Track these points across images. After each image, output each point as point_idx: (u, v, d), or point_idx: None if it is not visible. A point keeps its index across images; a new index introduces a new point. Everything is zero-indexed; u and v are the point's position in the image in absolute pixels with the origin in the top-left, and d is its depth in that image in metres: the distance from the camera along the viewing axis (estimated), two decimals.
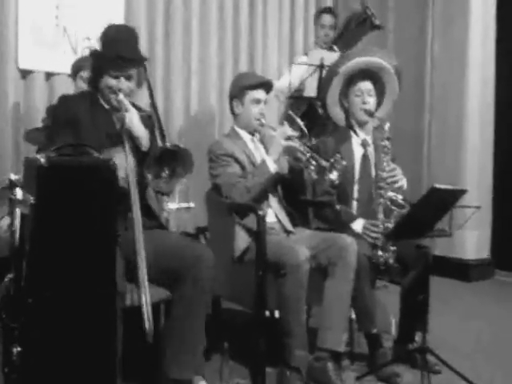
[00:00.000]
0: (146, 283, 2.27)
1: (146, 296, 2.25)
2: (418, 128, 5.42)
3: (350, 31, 4.25)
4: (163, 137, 2.35)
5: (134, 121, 2.43)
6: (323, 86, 3.50)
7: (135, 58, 2.53)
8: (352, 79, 3.24)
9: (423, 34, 5.40)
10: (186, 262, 2.39)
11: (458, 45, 5.13)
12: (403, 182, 3.12)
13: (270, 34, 5.25)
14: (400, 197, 3.02)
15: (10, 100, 3.91)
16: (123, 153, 2.36)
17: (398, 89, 3.32)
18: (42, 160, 1.98)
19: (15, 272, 2.34)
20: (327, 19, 4.48)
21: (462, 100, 5.09)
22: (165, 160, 2.33)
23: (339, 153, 2.99)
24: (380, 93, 3.29)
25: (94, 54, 2.59)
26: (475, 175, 5.08)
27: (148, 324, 2.21)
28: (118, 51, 2.46)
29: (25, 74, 3.99)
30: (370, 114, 3.20)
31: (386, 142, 3.06)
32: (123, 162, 2.32)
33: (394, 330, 3.13)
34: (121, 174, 2.26)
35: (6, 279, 2.94)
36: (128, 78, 2.51)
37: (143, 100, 3.47)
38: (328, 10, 4.61)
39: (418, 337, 2.95)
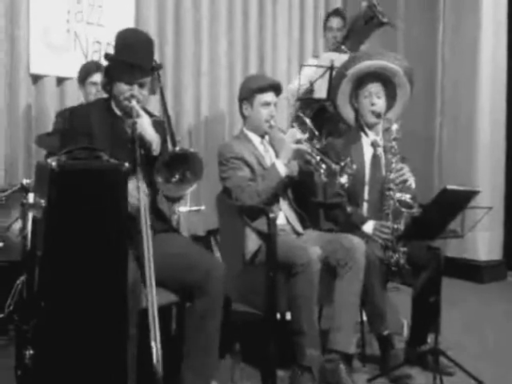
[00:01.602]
0: (157, 321, 2.14)
1: (156, 332, 2.13)
2: (429, 129, 5.40)
3: (358, 30, 4.24)
4: (174, 142, 2.36)
5: (145, 126, 2.42)
6: (333, 87, 3.50)
7: (149, 66, 2.52)
8: (362, 81, 3.23)
9: (433, 34, 5.37)
10: (196, 277, 2.39)
11: (468, 44, 5.09)
12: (411, 181, 3.11)
13: (280, 33, 5.26)
14: (408, 196, 3.02)
15: (22, 104, 3.95)
16: (135, 180, 2.31)
17: (410, 91, 3.30)
18: (54, 164, 1.99)
19: (27, 275, 2.36)
20: (335, 22, 4.47)
21: (473, 100, 5.06)
22: (175, 165, 2.33)
23: (350, 156, 3.00)
24: (392, 95, 3.28)
25: (107, 58, 2.57)
26: (487, 176, 5.05)
27: (157, 362, 2.11)
28: (132, 59, 2.45)
29: (36, 78, 4.02)
30: (378, 115, 3.20)
31: (393, 143, 3.07)
32: (135, 190, 2.29)
33: (405, 331, 3.12)
34: (132, 200, 2.25)
35: (18, 282, 2.99)
36: (141, 86, 2.50)
37: (156, 106, 3.50)
38: (336, 13, 4.60)
39: (429, 338, 2.94)
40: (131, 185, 2.24)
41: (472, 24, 5.06)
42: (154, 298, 2.15)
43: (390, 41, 5.15)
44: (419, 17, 5.50)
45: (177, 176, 2.36)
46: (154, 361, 2.10)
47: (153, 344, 2.12)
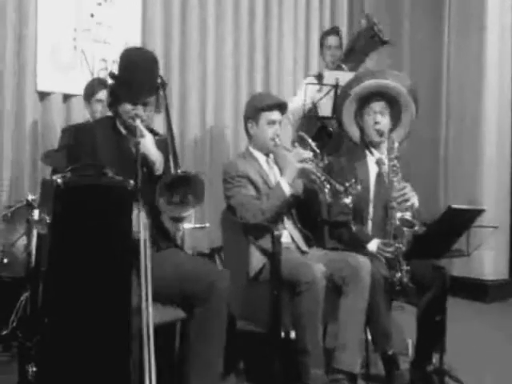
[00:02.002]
0: (152, 339, 2.16)
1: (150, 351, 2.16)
2: (434, 132, 5.33)
3: (359, 48, 4.24)
4: (176, 163, 2.36)
5: (148, 146, 2.44)
6: (338, 106, 3.51)
7: (153, 86, 2.53)
8: (366, 100, 3.24)
9: (439, 38, 5.35)
10: (200, 288, 2.39)
11: (474, 48, 5.04)
12: (414, 200, 3.10)
13: (286, 34, 5.28)
14: (409, 213, 3.01)
15: (28, 121, 3.98)
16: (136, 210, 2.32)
17: (416, 111, 3.30)
18: (59, 181, 2.00)
19: (31, 292, 2.36)
20: (333, 40, 4.50)
21: (478, 104, 4.99)
22: (176, 186, 2.33)
23: (355, 173, 3.00)
24: (397, 116, 3.29)
25: (112, 77, 2.58)
26: (493, 193, 4.99)
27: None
28: (136, 79, 2.47)
29: (43, 95, 4.05)
30: (381, 133, 3.20)
31: (395, 161, 3.07)
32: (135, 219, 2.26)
33: (410, 351, 3.09)
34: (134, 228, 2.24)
35: (22, 298, 2.98)
36: (145, 105, 2.52)
37: (162, 124, 3.50)
38: (333, 31, 4.62)
39: (434, 358, 2.91)
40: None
41: (477, 28, 5.02)
42: (149, 316, 2.16)
43: (396, 46, 5.12)
44: (424, 20, 5.48)
45: (178, 197, 2.36)
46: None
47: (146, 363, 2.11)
